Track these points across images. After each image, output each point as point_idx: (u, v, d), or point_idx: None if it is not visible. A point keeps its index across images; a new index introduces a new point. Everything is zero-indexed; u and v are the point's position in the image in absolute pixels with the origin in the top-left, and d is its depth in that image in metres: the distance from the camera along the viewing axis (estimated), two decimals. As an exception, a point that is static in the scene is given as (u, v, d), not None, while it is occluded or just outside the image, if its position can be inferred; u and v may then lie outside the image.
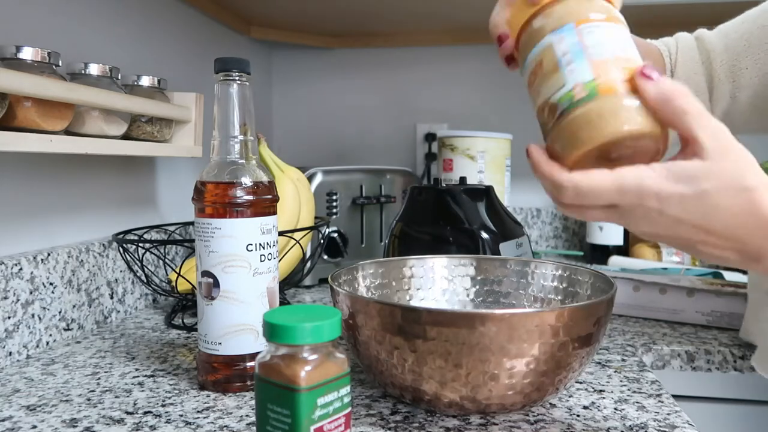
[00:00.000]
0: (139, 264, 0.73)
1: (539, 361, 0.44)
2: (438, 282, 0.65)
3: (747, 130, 0.68)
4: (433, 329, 0.43)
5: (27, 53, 0.57)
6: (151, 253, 0.74)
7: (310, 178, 0.99)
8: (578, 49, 0.40)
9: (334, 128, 1.46)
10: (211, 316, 0.54)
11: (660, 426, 0.48)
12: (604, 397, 0.54)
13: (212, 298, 0.53)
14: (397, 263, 0.64)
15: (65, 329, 0.70)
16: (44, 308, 0.67)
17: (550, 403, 0.52)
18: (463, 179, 0.84)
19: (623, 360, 0.64)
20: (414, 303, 0.64)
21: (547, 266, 0.62)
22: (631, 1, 1.02)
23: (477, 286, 0.65)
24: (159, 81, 0.77)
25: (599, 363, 0.63)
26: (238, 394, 0.54)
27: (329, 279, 0.54)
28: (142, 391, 0.55)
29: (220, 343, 0.54)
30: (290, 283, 0.88)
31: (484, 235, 0.75)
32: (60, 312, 0.69)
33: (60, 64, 0.60)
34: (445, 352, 0.44)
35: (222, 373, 0.54)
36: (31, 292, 0.65)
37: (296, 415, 0.35)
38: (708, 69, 0.65)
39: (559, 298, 0.60)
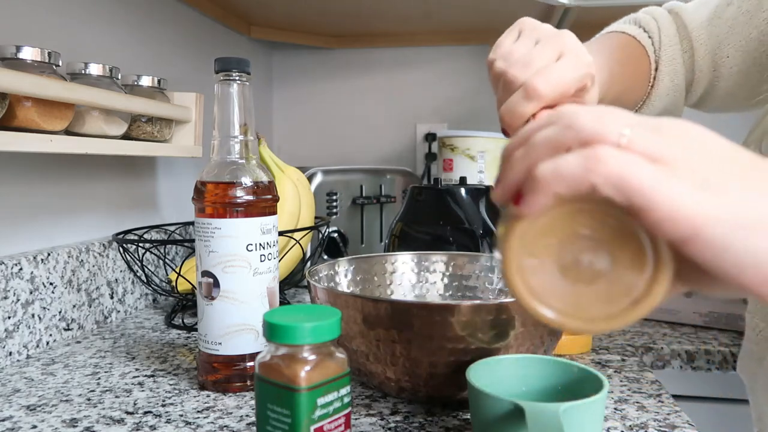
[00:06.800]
0: (139, 264, 0.73)
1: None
2: (408, 277, 0.67)
3: (718, 110, 0.68)
4: (394, 320, 0.46)
5: (27, 53, 0.57)
6: (151, 253, 0.74)
7: (310, 178, 0.99)
8: None
9: (334, 128, 1.46)
10: (211, 316, 0.54)
11: (660, 426, 0.48)
12: (604, 397, 0.54)
13: (212, 298, 0.53)
14: (379, 259, 0.66)
15: (65, 329, 0.70)
16: (44, 308, 0.67)
17: (550, 403, 0.52)
18: (463, 179, 0.84)
19: (623, 360, 0.64)
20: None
21: None
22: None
23: (446, 281, 0.67)
24: (159, 81, 0.77)
25: (599, 363, 0.63)
26: (238, 394, 0.54)
27: (306, 275, 0.55)
28: (142, 391, 0.55)
29: (220, 343, 0.54)
30: (290, 283, 0.88)
31: (485, 235, 0.75)
32: (60, 312, 0.69)
33: (60, 64, 0.60)
34: (405, 341, 0.46)
35: (222, 373, 0.54)
36: (31, 292, 0.65)
37: (296, 415, 0.35)
38: (690, 64, 0.65)
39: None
